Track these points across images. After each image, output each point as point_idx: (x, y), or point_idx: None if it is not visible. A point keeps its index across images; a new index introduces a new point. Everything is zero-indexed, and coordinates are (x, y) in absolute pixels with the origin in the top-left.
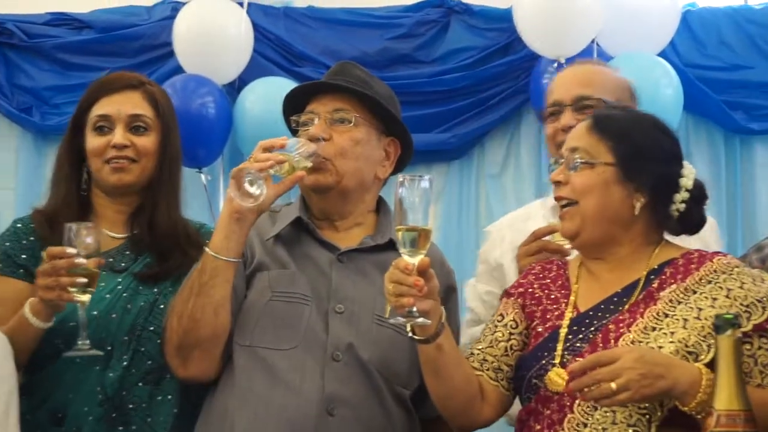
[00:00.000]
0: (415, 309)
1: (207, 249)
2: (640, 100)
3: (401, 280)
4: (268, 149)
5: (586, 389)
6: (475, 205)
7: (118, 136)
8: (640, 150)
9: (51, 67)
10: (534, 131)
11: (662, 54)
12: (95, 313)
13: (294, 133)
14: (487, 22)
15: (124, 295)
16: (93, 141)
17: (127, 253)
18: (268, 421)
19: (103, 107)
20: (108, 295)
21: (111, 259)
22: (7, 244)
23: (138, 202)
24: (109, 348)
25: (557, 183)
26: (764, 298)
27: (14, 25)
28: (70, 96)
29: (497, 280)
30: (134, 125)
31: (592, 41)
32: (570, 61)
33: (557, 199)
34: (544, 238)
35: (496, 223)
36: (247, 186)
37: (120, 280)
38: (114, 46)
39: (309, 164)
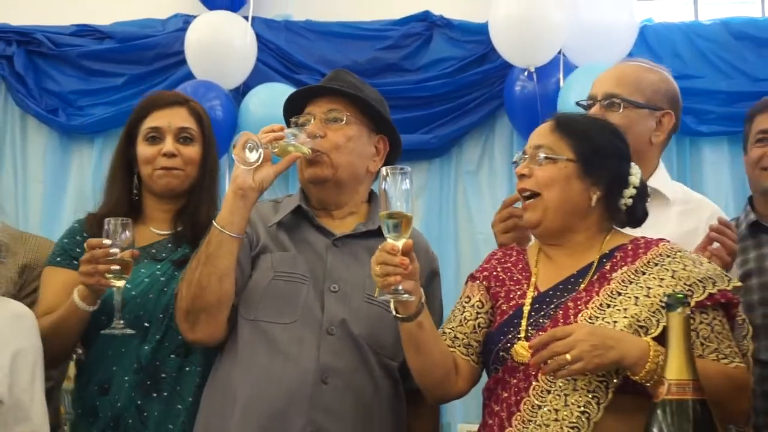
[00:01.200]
0: (401, 287)
1: (214, 223)
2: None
3: (388, 260)
4: (267, 133)
5: (546, 362)
6: (453, 198)
7: (168, 145)
8: (598, 149)
9: (75, 73)
10: (507, 132)
11: None
12: (134, 293)
13: None
14: (466, 35)
15: (161, 279)
16: (145, 150)
17: (169, 245)
18: (268, 388)
19: (154, 120)
20: (146, 279)
21: (154, 251)
22: (65, 240)
23: (182, 204)
24: (147, 324)
25: (522, 176)
26: (704, 279)
27: (43, 35)
28: (92, 99)
29: None
30: (182, 136)
31: (559, 52)
32: (539, 69)
33: (521, 191)
34: (514, 205)
35: None
36: (246, 152)
37: (159, 266)
38: (132, 54)
39: (305, 150)
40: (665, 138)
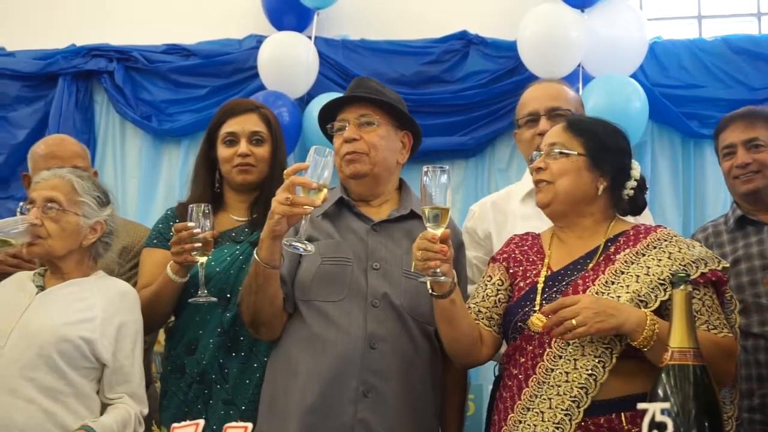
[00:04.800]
0: (438, 270)
1: (257, 258)
2: (612, 112)
3: (428, 247)
4: (297, 184)
5: (554, 329)
6: (487, 192)
7: (243, 147)
8: (605, 146)
9: (166, 85)
10: None
11: (633, 75)
12: (218, 269)
13: (330, 138)
14: (498, 51)
15: (240, 257)
16: (224, 152)
17: (246, 230)
18: (324, 356)
19: (230, 126)
20: (228, 258)
21: (234, 234)
22: (160, 225)
23: (255, 195)
24: (228, 295)
25: (539, 169)
26: (697, 260)
27: (138, 53)
28: (180, 107)
29: (484, 247)
30: (254, 139)
31: (578, 66)
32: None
33: (538, 181)
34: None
35: (478, 203)
36: (296, 243)
37: (238, 247)
38: (213, 69)
39: (324, 189)
40: None
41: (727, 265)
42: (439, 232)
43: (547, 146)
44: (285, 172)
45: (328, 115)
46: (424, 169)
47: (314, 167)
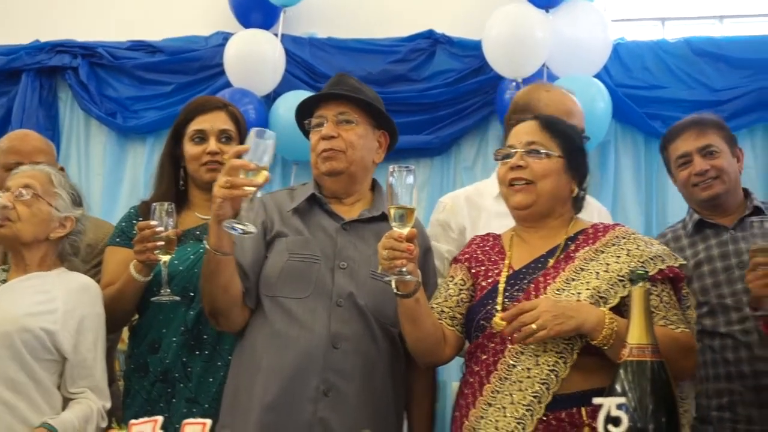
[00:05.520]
0: (404, 269)
1: (207, 246)
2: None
3: (395, 246)
4: (237, 168)
5: (515, 334)
6: (452, 191)
7: (212, 145)
8: (578, 149)
9: (131, 81)
10: (498, 134)
11: (597, 76)
12: (181, 268)
13: (306, 134)
14: (464, 50)
15: (205, 256)
16: (192, 149)
17: None
18: (286, 353)
19: (199, 123)
20: (192, 257)
21: (198, 232)
22: (123, 224)
23: None
24: (192, 294)
25: (518, 167)
26: (655, 257)
27: (104, 49)
28: (145, 104)
29: (456, 241)
30: (223, 137)
31: (543, 65)
32: (525, 80)
33: (515, 179)
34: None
35: (449, 195)
36: (236, 224)
37: (202, 246)
38: (179, 66)
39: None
40: None
41: (684, 262)
42: (406, 231)
43: (525, 144)
44: (225, 156)
45: (305, 110)
46: (390, 168)
47: (254, 149)
